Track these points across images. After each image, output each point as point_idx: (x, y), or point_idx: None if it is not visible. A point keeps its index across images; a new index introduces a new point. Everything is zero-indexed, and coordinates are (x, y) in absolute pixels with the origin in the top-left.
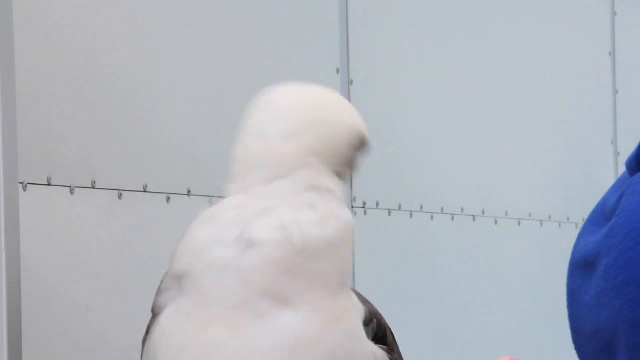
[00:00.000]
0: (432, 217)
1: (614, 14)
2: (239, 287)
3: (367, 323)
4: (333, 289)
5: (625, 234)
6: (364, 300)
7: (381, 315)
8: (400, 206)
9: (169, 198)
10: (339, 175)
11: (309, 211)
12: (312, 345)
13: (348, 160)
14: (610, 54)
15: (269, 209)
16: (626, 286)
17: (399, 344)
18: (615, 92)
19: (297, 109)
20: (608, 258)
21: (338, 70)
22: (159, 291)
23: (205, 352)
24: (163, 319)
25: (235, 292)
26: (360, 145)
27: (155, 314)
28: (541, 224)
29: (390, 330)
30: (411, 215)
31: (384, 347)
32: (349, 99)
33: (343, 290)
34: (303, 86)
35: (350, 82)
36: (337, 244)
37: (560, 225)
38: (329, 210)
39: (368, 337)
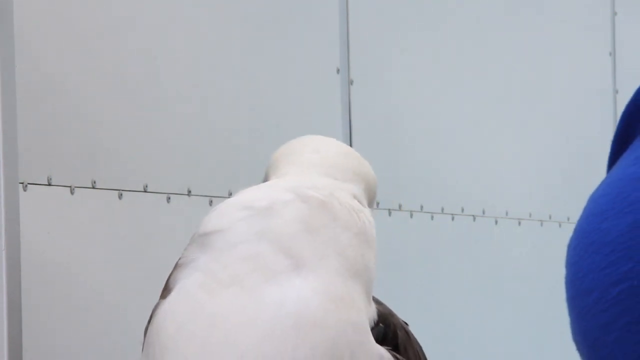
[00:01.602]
0: (432, 217)
1: (614, 14)
2: (258, 237)
3: (373, 326)
4: (349, 267)
5: None
6: (375, 301)
7: (392, 315)
8: (400, 206)
9: (169, 198)
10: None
11: (350, 198)
12: (317, 327)
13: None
14: (610, 54)
15: (311, 186)
16: None
17: None
18: (616, 92)
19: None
20: None
21: (338, 70)
22: (177, 266)
23: (209, 323)
24: (176, 290)
25: (253, 242)
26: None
27: (169, 288)
28: (541, 224)
29: (405, 329)
30: (411, 215)
31: (393, 352)
32: (348, 99)
33: (359, 280)
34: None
35: (350, 82)
36: (366, 234)
37: (560, 225)
38: (359, 207)
39: (374, 338)
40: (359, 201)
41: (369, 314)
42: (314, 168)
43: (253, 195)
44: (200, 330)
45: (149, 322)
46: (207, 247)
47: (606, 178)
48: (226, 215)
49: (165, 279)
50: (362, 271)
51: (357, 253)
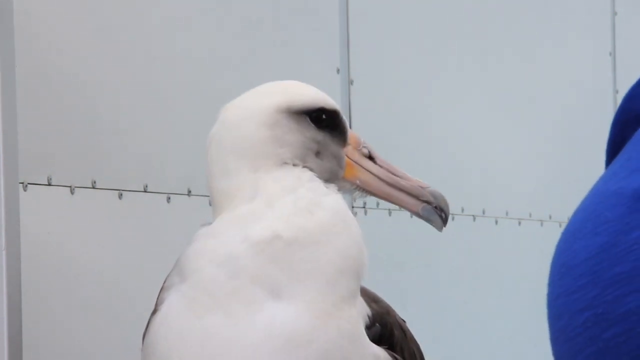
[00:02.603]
0: None
1: (614, 14)
2: (230, 275)
3: (369, 326)
4: (329, 279)
5: None
6: (373, 299)
7: (389, 314)
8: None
9: (169, 198)
10: (304, 159)
11: (293, 207)
12: (306, 341)
13: (298, 142)
14: (610, 54)
15: (259, 214)
16: None
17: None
18: (616, 92)
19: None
20: None
21: (338, 70)
22: (163, 289)
23: (200, 340)
24: (163, 308)
25: (227, 279)
26: (294, 113)
27: (157, 305)
28: (541, 224)
29: (401, 327)
30: (411, 216)
31: (389, 350)
32: (348, 99)
33: (342, 280)
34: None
35: (351, 82)
36: (326, 231)
37: (560, 225)
38: (311, 201)
39: (370, 338)
40: (292, 185)
41: (361, 310)
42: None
43: (215, 243)
44: (190, 351)
45: (145, 333)
46: (186, 281)
47: (590, 190)
48: (197, 262)
49: (165, 280)
50: (341, 272)
51: (327, 254)
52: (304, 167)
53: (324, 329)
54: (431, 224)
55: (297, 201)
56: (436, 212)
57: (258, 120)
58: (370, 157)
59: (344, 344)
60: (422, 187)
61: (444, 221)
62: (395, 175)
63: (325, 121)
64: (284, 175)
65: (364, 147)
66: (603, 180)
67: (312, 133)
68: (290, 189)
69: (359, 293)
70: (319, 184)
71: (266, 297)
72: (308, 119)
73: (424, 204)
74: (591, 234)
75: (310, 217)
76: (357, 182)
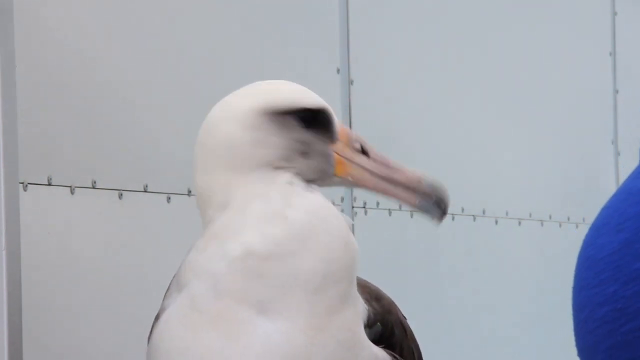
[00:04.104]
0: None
1: (614, 14)
2: (214, 295)
3: (370, 325)
4: (314, 287)
5: None
6: (374, 297)
7: (391, 312)
8: (400, 206)
9: (169, 198)
10: (289, 161)
11: (263, 214)
12: (304, 357)
13: (281, 144)
14: (610, 54)
15: (233, 227)
16: None
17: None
18: (616, 92)
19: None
20: None
21: (338, 70)
22: (166, 295)
23: (200, 357)
24: (164, 317)
25: (212, 299)
26: (277, 115)
27: (159, 313)
28: (541, 224)
29: (402, 325)
30: (411, 215)
31: (388, 350)
32: (348, 99)
33: (329, 286)
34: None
35: (351, 82)
36: (303, 236)
37: (560, 225)
38: (283, 204)
39: (370, 338)
40: (264, 192)
41: (359, 308)
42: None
43: (200, 261)
44: None
45: (149, 338)
46: (182, 292)
47: (619, 187)
48: (185, 275)
49: (165, 279)
50: (326, 277)
51: (307, 264)
52: (290, 167)
53: (320, 342)
54: (430, 217)
55: (267, 207)
56: (434, 205)
57: (239, 122)
58: (364, 152)
59: (342, 352)
60: (419, 180)
61: (443, 212)
62: (390, 168)
63: (311, 120)
64: (258, 179)
65: (356, 141)
66: (631, 177)
67: (296, 134)
68: (261, 193)
69: (354, 291)
70: (296, 186)
71: (255, 315)
72: (293, 119)
73: (421, 197)
74: (614, 230)
75: (283, 224)
76: (349, 178)
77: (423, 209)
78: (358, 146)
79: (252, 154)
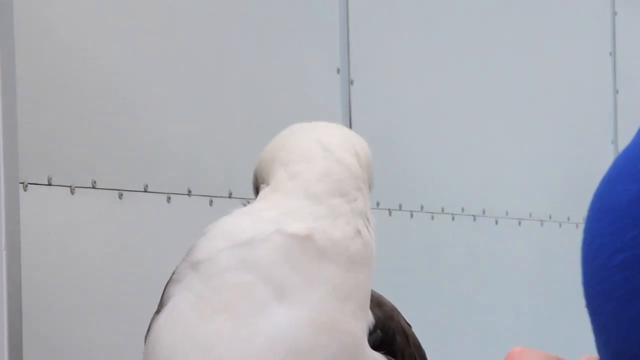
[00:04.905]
0: (432, 217)
1: (614, 14)
2: (244, 265)
3: (370, 332)
4: (337, 296)
5: None
6: (376, 304)
7: (392, 319)
8: (400, 206)
9: (169, 198)
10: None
11: (341, 223)
12: (306, 353)
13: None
14: (610, 54)
15: (299, 213)
16: None
17: None
18: (616, 92)
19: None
20: None
21: (338, 70)
22: (171, 281)
23: (203, 347)
24: (168, 307)
25: (240, 270)
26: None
27: (163, 302)
28: (541, 224)
29: (405, 332)
30: (411, 215)
31: (389, 357)
32: (349, 99)
33: (349, 303)
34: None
35: (351, 82)
36: (357, 261)
37: (560, 225)
38: (360, 229)
39: (371, 345)
40: (360, 213)
41: (366, 323)
42: (306, 184)
43: (237, 226)
44: (193, 353)
45: (147, 333)
46: (197, 272)
47: (629, 143)
48: (212, 245)
49: (165, 279)
50: (353, 291)
51: (345, 279)
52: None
53: (326, 341)
54: None
55: (352, 219)
56: None
57: (366, 156)
58: None
59: (345, 354)
60: None
61: None
62: None
63: None
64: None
65: None
66: None
67: None
68: (358, 209)
69: (368, 302)
70: (371, 222)
71: (273, 299)
72: None
73: None
74: (630, 178)
75: (350, 238)
76: None
77: None
78: None
79: (352, 185)
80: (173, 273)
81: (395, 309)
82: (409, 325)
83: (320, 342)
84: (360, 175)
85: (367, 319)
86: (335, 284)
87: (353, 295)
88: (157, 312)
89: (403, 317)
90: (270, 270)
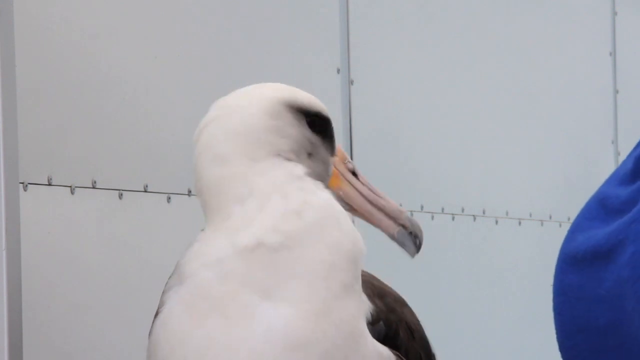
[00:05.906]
0: (432, 217)
1: (614, 14)
2: (220, 279)
3: (373, 322)
4: (320, 276)
5: None
6: (378, 294)
7: (395, 312)
8: (400, 206)
9: (169, 198)
10: (298, 156)
11: (283, 210)
12: (304, 344)
13: (296, 137)
14: (610, 54)
15: (249, 221)
16: None
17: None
18: (616, 92)
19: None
20: (636, 245)
21: (338, 70)
22: (163, 291)
23: (201, 346)
24: (164, 312)
25: (218, 283)
26: (295, 110)
27: (158, 311)
28: (541, 224)
29: (409, 326)
30: (411, 215)
31: (394, 350)
32: (349, 99)
33: (334, 275)
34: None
35: (351, 82)
36: (314, 231)
37: (560, 225)
38: (300, 202)
39: (374, 336)
40: (282, 183)
41: (361, 305)
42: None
43: (204, 250)
44: (191, 354)
45: (149, 335)
46: (183, 285)
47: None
48: (190, 266)
49: (165, 279)
50: (333, 267)
51: (313, 257)
52: (298, 163)
53: (321, 329)
54: (404, 249)
55: (287, 203)
56: (411, 238)
57: (262, 108)
58: (354, 174)
59: (343, 343)
60: (400, 212)
61: (417, 248)
62: (376, 193)
63: (319, 127)
64: (276, 169)
65: (349, 162)
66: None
67: (308, 133)
68: (281, 187)
69: (359, 287)
70: (309, 181)
71: (259, 299)
72: (304, 120)
73: (400, 228)
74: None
75: (298, 220)
76: (340, 193)
77: (400, 241)
78: (351, 167)
79: (270, 141)
80: (166, 284)
81: (401, 300)
82: (418, 321)
83: (317, 329)
84: (265, 139)
85: (362, 300)
86: (311, 265)
87: (334, 268)
88: (156, 315)
89: (410, 309)
90: (244, 280)
